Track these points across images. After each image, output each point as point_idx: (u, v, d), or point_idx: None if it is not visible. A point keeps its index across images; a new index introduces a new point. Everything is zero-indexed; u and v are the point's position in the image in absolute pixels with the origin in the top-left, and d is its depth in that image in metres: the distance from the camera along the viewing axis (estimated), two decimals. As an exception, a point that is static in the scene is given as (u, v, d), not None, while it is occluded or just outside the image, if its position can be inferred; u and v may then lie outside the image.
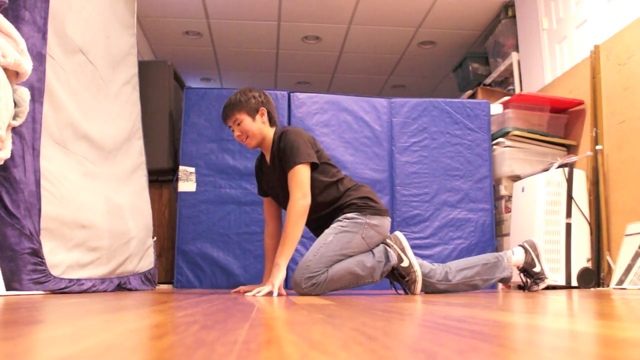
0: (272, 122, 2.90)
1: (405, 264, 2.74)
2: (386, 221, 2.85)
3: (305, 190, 2.69)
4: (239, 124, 2.82)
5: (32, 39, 2.50)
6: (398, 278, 2.79)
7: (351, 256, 2.71)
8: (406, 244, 2.79)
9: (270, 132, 2.88)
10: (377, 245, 2.81)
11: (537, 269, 3.02)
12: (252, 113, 2.82)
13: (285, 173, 2.76)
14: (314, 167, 2.77)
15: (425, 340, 0.72)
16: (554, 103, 4.32)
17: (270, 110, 2.88)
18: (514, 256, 3.01)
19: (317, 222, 2.88)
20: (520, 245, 3.07)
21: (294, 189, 2.68)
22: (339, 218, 2.78)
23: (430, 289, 2.83)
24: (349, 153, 4.40)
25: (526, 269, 3.04)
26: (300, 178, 2.69)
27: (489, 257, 2.98)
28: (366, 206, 2.80)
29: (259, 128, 2.83)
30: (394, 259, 2.72)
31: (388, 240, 2.80)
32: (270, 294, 2.50)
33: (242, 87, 2.96)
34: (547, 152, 4.34)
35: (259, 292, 2.50)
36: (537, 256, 3.02)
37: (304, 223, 2.71)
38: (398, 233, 2.85)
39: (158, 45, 6.26)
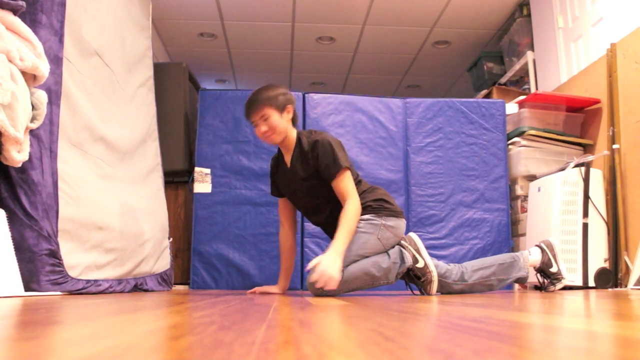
0: (294, 121, 2.89)
1: (420, 264, 2.73)
2: (402, 222, 2.85)
3: (357, 194, 2.72)
4: (265, 119, 2.77)
5: (49, 42, 2.52)
6: (414, 279, 2.78)
7: (367, 257, 2.71)
8: (421, 245, 2.79)
9: (292, 132, 2.86)
10: (393, 247, 2.81)
11: (554, 269, 2.99)
12: (280, 109, 2.78)
13: (311, 177, 2.77)
14: None
15: (442, 340, 0.72)
16: (570, 102, 4.29)
17: (295, 109, 2.88)
18: (531, 256, 2.99)
19: (334, 223, 2.88)
20: (536, 245, 3.05)
21: (350, 194, 2.69)
22: None
23: (446, 289, 2.83)
24: (364, 153, 4.39)
25: (543, 269, 3.02)
26: (350, 183, 2.72)
27: (505, 257, 2.97)
28: (382, 208, 2.80)
29: (284, 125, 2.80)
30: (409, 261, 2.71)
31: (403, 242, 2.79)
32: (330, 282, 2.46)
33: (266, 84, 2.92)
34: (563, 151, 4.31)
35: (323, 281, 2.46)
36: (554, 256, 2.99)
37: (356, 223, 2.69)
38: (412, 234, 2.84)
39: (173, 47, 6.29)
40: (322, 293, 2.62)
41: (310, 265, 2.53)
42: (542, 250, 3.01)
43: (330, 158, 2.70)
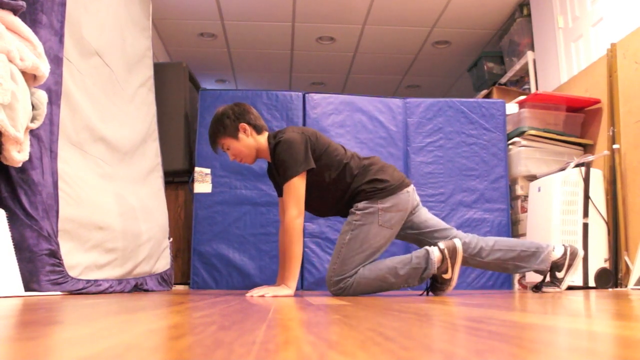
0: (258, 129, 2.81)
1: (447, 276, 2.65)
2: (402, 195, 2.75)
3: (301, 207, 2.65)
4: (228, 148, 2.81)
5: (49, 42, 2.52)
6: (431, 280, 2.74)
7: (376, 247, 2.68)
8: (459, 260, 2.66)
9: (262, 140, 2.81)
10: (403, 222, 2.78)
11: (559, 275, 2.90)
12: (234, 134, 2.76)
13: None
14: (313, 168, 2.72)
15: (443, 340, 0.72)
16: (570, 102, 4.29)
17: (250, 121, 2.79)
18: (554, 252, 2.89)
19: (341, 212, 2.88)
20: (563, 246, 2.96)
21: (291, 206, 2.63)
22: (352, 210, 2.75)
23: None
24: (364, 153, 4.39)
25: (552, 268, 2.95)
26: (296, 193, 2.64)
27: (529, 245, 2.88)
28: (375, 191, 2.72)
29: (247, 145, 2.78)
30: (434, 268, 2.63)
31: (445, 250, 2.64)
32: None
33: (217, 109, 2.88)
34: (563, 151, 4.31)
35: (259, 292, 2.49)
36: (569, 266, 2.89)
37: (302, 239, 2.67)
38: (459, 245, 2.67)
39: (173, 47, 6.29)
40: (340, 293, 2.61)
41: (255, 292, 2.54)
42: (565, 252, 2.91)
43: (283, 165, 2.66)
